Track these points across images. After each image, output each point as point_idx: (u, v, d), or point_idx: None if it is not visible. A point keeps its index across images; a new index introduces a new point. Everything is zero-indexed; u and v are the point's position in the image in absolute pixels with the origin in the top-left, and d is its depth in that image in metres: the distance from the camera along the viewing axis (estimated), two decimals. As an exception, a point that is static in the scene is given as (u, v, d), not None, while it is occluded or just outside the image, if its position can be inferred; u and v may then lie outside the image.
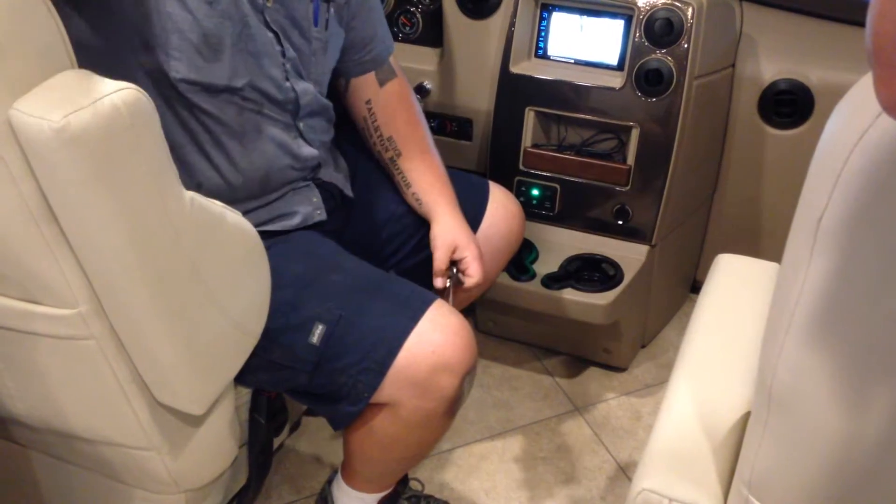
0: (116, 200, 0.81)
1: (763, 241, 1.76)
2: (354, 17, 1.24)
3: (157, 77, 1.03)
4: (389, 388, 1.07)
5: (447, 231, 1.27)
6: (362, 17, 1.25)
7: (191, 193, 0.91)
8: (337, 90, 1.32)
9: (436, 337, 1.07)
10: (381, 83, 1.32)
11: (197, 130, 1.09)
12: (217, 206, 0.96)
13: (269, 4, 1.09)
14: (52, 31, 0.79)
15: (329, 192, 1.26)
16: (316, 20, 1.16)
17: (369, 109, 1.32)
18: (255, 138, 1.13)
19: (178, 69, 1.02)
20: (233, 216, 0.98)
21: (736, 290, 0.97)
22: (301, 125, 1.18)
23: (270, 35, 1.10)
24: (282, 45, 1.11)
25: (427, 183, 1.31)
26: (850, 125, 0.59)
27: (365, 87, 1.32)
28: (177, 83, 1.03)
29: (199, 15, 1.01)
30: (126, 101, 0.79)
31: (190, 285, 0.94)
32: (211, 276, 0.96)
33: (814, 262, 0.62)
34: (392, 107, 1.33)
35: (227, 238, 0.98)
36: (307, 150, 1.19)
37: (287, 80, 1.13)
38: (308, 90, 1.17)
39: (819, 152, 0.64)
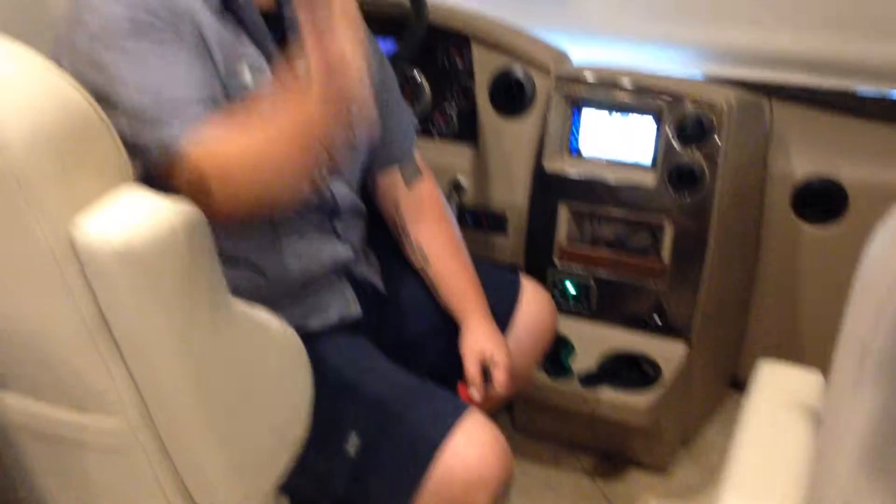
0: (170, 315, 0.83)
1: (804, 338, 1.74)
2: (380, 111, 1.24)
3: None
4: (424, 502, 1.06)
5: (476, 340, 1.27)
6: (388, 113, 1.28)
7: (239, 304, 0.93)
8: (367, 189, 1.34)
9: (470, 452, 1.06)
10: (409, 184, 1.34)
11: (234, 234, 1.12)
12: (262, 314, 0.98)
13: None
14: (110, 148, 0.83)
15: (362, 289, 1.27)
16: None
17: (398, 212, 1.34)
18: (293, 240, 1.15)
19: None
20: (277, 324, 1.00)
21: (780, 402, 0.96)
22: (337, 225, 1.21)
23: None
24: None
25: (456, 287, 1.32)
26: (893, 254, 0.59)
27: (392, 188, 1.33)
28: None
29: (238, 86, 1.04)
30: (183, 221, 0.82)
31: (234, 392, 0.95)
32: (256, 384, 0.98)
33: (863, 389, 0.62)
34: (420, 210, 1.35)
35: (271, 346, 0.99)
36: (343, 250, 1.22)
37: (325, 183, 1.17)
38: (344, 191, 1.20)
39: (862, 277, 0.64)
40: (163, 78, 0.96)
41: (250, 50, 1.08)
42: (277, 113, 0.94)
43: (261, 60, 1.08)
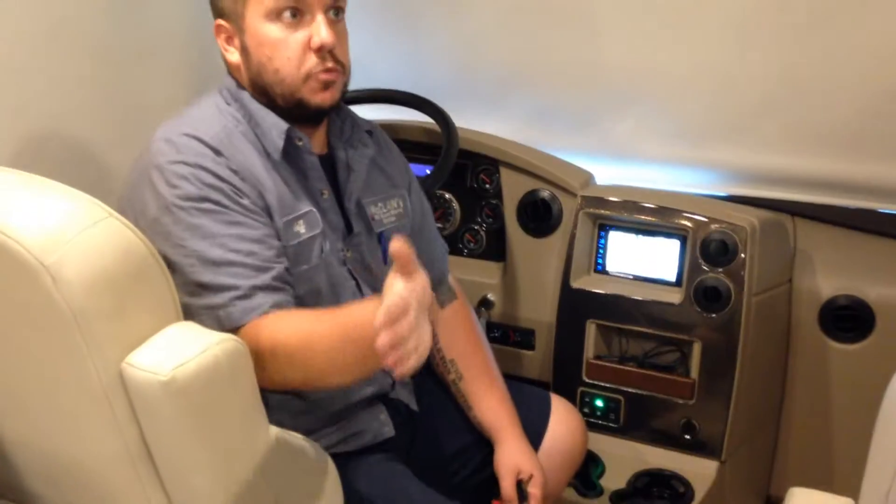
0: (212, 443, 0.87)
1: (834, 457, 1.71)
2: (418, 239, 1.32)
3: None
4: None
5: (511, 457, 1.29)
6: (423, 240, 1.35)
7: (275, 429, 0.96)
8: None
9: None
10: (442, 305, 1.39)
11: None
12: (297, 438, 1.01)
13: (348, 255, 1.20)
14: (164, 289, 0.88)
15: (396, 409, 1.30)
16: (385, 258, 1.27)
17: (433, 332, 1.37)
18: None
19: None
20: (311, 448, 1.03)
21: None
22: None
23: (352, 282, 1.21)
24: (360, 289, 1.21)
25: (488, 407, 1.35)
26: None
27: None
28: None
29: (295, 272, 1.12)
30: (226, 352, 0.87)
31: (269, 518, 0.97)
32: (289, 507, 1.00)
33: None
34: (454, 329, 1.40)
35: (306, 470, 1.02)
36: (385, 379, 1.26)
37: (358, 290, 1.22)
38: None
39: (884, 417, 0.66)
40: (223, 253, 1.04)
41: (304, 202, 1.16)
42: (343, 321, 0.97)
43: (314, 212, 1.16)
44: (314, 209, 1.16)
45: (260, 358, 0.97)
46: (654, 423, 1.64)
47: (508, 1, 1.87)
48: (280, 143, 1.14)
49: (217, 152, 1.09)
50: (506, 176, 1.80)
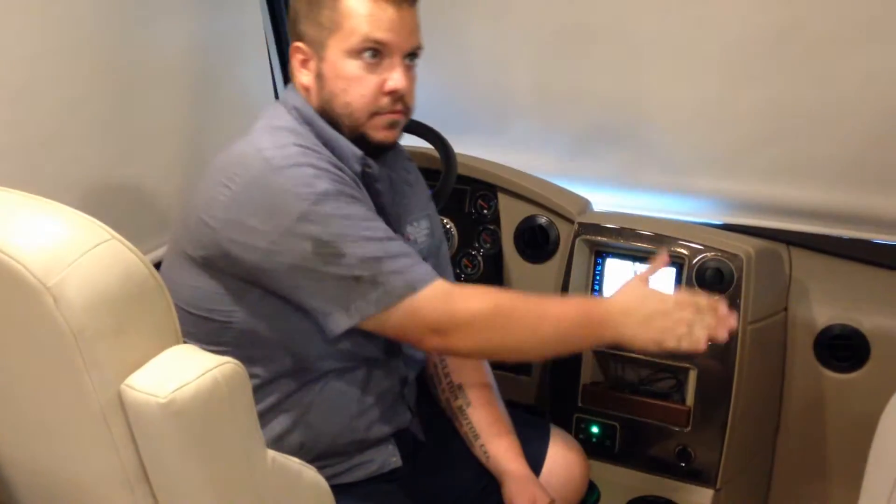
0: (209, 466, 0.87)
1: (829, 486, 1.71)
2: (433, 261, 1.35)
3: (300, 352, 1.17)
4: None
5: (526, 488, 1.28)
6: (439, 262, 1.38)
7: (272, 453, 0.96)
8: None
9: None
10: None
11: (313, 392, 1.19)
12: (294, 463, 1.01)
13: None
14: (164, 311, 0.88)
15: (403, 439, 1.30)
16: None
17: (441, 358, 1.40)
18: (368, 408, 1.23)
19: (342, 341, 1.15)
20: (308, 472, 1.02)
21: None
22: (406, 393, 1.30)
23: None
24: None
25: (495, 436, 1.35)
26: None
27: None
28: (324, 357, 1.17)
29: None
30: (225, 375, 0.87)
31: (264, 542, 0.97)
32: (284, 533, 0.99)
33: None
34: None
35: (302, 495, 1.01)
36: (406, 415, 1.29)
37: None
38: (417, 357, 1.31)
39: (877, 446, 0.67)
40: (385, 231, 1.11)
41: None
42: (584, 305, 1.21)
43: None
44: None
45: (449, 322, 1.09)
46: (649, 450, 1.64)
47: (509, 31, 1.90)
48: (359, 166, 1.18)
49: (331, 163, 1.13)
50: (504, 202, 1.81)
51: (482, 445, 1.34)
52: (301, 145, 1.12)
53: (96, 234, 0.85)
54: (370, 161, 1.19)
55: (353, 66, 1.15)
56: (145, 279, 0.85)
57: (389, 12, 1.14)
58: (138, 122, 1.50)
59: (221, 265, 1.11)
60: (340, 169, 1.13)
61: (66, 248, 0.82)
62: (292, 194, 1.06)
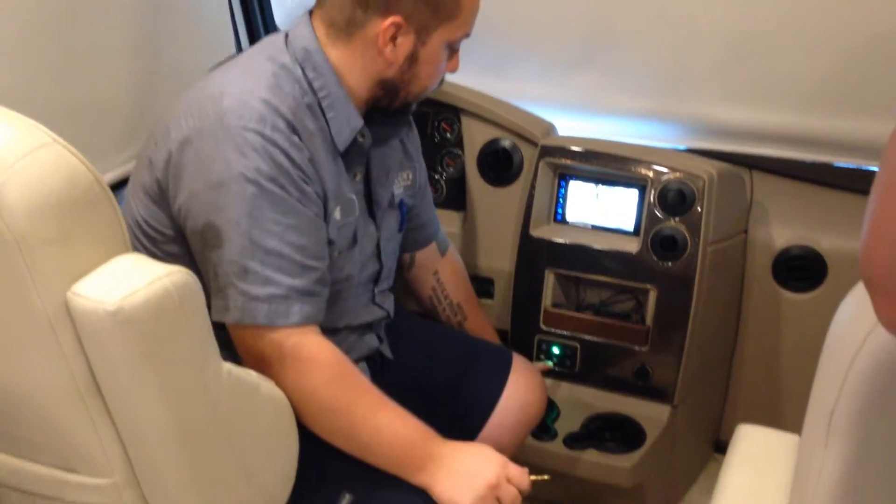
0: (161, 377, 0.86)
1: (783, 402, 1.76)
2: (420, 201, 1.41)
3: None
4: None
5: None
6: (426, 200, 1.44)
7: (228, 365, 0.95)
8: (401, 267, 1.46)
9: None
10: (443, 252, 1.50)
11: None
12: (252, 376, 1.00)
13: (375, 232, 1.24)
14: (111, 219, 0.86)
15: (370, 358, 1.32)
16: (401, 226, 1.34)
17: (437, 280, 1.49)
18: (336, 306, 1.21)
19: None
20: (266, 385, 1.02)
21: (758, 463, 0.98)
22: (376, 293, 1.30)
23: (373, 228, 1.24)
24: (380, 238, 1.25)
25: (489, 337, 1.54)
26: (854, 326, 0.63)
27: (431, 258, 1.49)
28: None
29: (332, 230, 1.13)
30: (176, 284, 0.85)
31: (222, 454, 0.97)
32: (243, 445, 0.99)
33: (829, 450, 0.65)
34: (456, 274, 1.53)
35: (259, 408, 1.01)
36: (378, 312, 1.30)
37: (378, 259, 1.26)
38: (389, 265, 1.31)
39: (828, 346, 0.68)
40: (277, 243, 1.02)
41: (346, 186, 1.16)
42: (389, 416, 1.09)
43: (353, 199, 1.17)
44: (353, 195, 1.17)
45: (279, 370, 1.03)
46: (608, 369, 1.67)
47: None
48: (349, 139, 1.13)
49: (293, 129, 1.05)
50: (467, 125, 1.78)
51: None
52: (270, 103, 1.04)
53: (37, 136, 0.82)
54: (366, 131, 1.16)
55: (443, 56, 1.17)
56: (90, 185, 0.83)
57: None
58: (92, 36, 1.43)
59: (163, 198, 1.09)
60: (299, 147, 1.06)
61: (5, 151, 0.79)
62: (222, 159, 1.01)
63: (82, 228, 0.83)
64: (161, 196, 1.08)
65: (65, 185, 0.80)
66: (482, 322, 1.58)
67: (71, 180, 0.81)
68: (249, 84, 1.05)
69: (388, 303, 1.34)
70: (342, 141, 1.12)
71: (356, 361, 1.25)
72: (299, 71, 1.10)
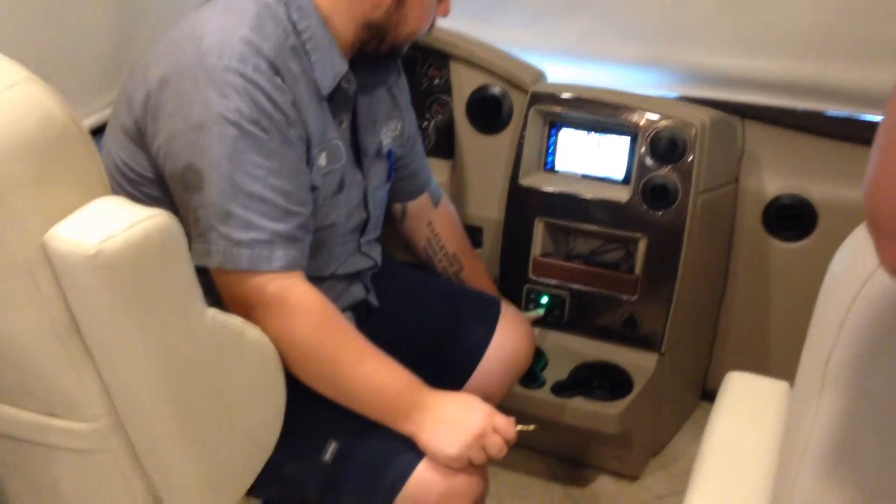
0: (143, 321, 0.84)
1: (771, 351, 1.77)
2: (410, 151, 1.38)
3: None
4: None
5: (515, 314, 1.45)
6: (416, 150, 1.41)
7: (212, 311, 0.94)
8: (393, 218, 1.46)
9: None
10: (436, 203, 1.48)
11: None
12: (237, 321, 0.99)
13: (361, 180, 1.21)
14: (89, 161, 0.84)
15: (356, 308, 1.30)
16: (389, 176, 1.31)
17: (432, 231, 1.47)
18: (321, 254, 1.19)
19: None
20: (252, 331, 1.01)
21: (747, 410, 0.98)
22: (362, 242, 1.28)
23: (360, 177, 1.21)
24: (367, 187, 1.22)
25: (486, 289, 1.52)
26: (853, 271, 0.62)
27: (423, 209, 1.47)
28: None
29: (316, 176, 1.10)
30: (157, 227, 0.83)
31: (208, 400, 0.96)
32: (228, 391, 0.98)
33: (823, 398, 0.64)
34: (450, 224, 1.51)
35: (245, 353, 1.00)
36: (366, 262, 1.28)
37: (364, 208, 1.24)
38: (376, 215, 1.29)
39: (824, 293, 0.66)
40: (260, 187, 1.00)
41: (331, 132, 1.13)
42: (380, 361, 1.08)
43: (339, 144, 1.14)
44: (339, 142, 1.14)
45: (266, 319, 1.01)
46: (597, 318, 1.66)
47: None
48: (333, 84, 1.10)
49: (275, 70, 1.02)
50: (456, 71, 1.75)
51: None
52: (252, 42, 1.00)
53: (10, 74, 0.78)
54: (351, 77, 1.13)
55: None
56: (66, 125, 0.80)
57: None
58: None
59: (142, 139, 1.06)
60: (282, 88, 1.02)
61: (-25, 87, 0.76)
62: (202, 100, 0.97)
63: (59, 169, 0.80)
64: (140, 137, 1.05)
65: (39, 124, 0.78)
66: (479, 272, 1.55)
67: (45, 120, 0.78)
68: (231, 23, 1.02)
69: (376, 252, 1.32)
70: (326, 85, 1.09)
71: (342, 311, 1.24)
72: (283, 11, 1.06)
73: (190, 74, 0.98)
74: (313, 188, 1.09)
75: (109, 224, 0.80)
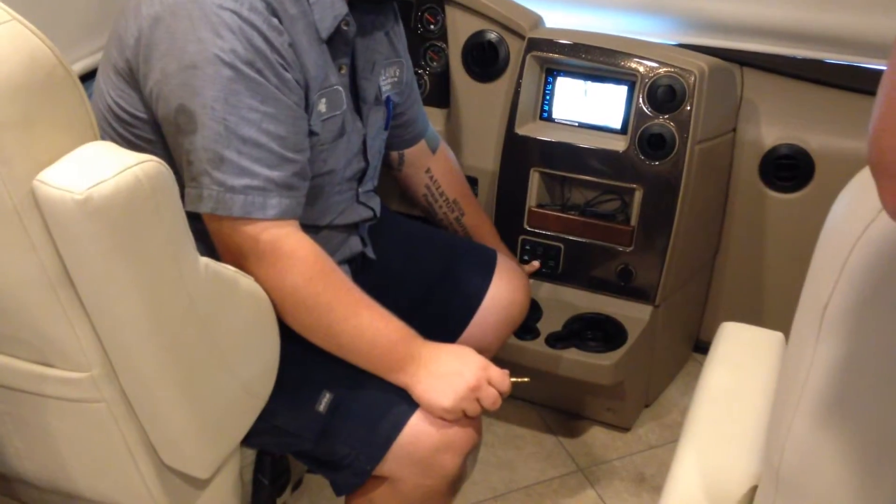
0: (134, 269, 0.83)
1: (765, 303, 1.78)
2: (406, 98, 1.35)
3: None
4: (391, 463, 1.07)
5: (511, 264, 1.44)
6: (412, 97, 1.38)
7: (205, 260, 0.93)
8: (391, 166, 1.43)
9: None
10: (433, 150, 1.45)
11: None
12: (230, 270, 0.98)
13: (361, 127, 1.19)
14: (78, 105, 0.81)
15: (352, 260, 1.29)
16: (387, 124, 1.28)
17: (431, 177, 1.44)
18: (318, 202, 1.17)
19: None
20: (245, 281, 1.00)
21: (741, 360, 0.99)
22: (360, 192, 1.26)
23: (360, 124, 1.18)
24: (366, 135, 1.20)
25: (487, 234, 1.51)
26: (854, 216, 0.61)
27: (421, 156, 1.44)
28: None
29: (316, 122, 1.08)
30: (147, 173, 0.81)
31: (202, 350, 0.95)
32: (222, 341, 0.98)
33: (820, 346, 0.64)
34: (450, 170, 1.48)
35: (239, 303, 0.99)
36: (364, 212, 1.26)
37: (363, 156, 1.21)
38: (374, 164, 1.26)
39: (823, 239, 0.66)
40: (255, 132, 0.97)
41: (331, 77, 1.10)
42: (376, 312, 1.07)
43: (339, 90, 1.11)
44: (339, 86, 1.11)
45: (270, 266, 1.00)
46: (592, 270, 1.66)
47: None
48: (333, 26, 1.06)
49: (272, 11, 0.99)
50: (451, 16, 1.71)
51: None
52: None
53: (-7, 14, 0.76)
54: (350, 19, 1.09)
55: None
56: (53, 67, 0.78)
57: None
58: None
59: (134, 79, 1.03)
60: (279, 30, 0.99)
61: (-43, 27, 0.73)
62: (196, 39, 0.94)
63: (46, 112, 0.78)
64: (132, 77, 1.02)
65: (25, 65, 0.75)
66: (480, 218, 1.52)
67: (32, 61, 0.76)
68: None
69: (374, 203, 1.30)
70: (325, 28, 1.06)
71: (339, 264, 1.22)
72: None
73: (184, 13, 0.95)
74: (311, 134, 1.07)
75: (99, 169, 0.78)
